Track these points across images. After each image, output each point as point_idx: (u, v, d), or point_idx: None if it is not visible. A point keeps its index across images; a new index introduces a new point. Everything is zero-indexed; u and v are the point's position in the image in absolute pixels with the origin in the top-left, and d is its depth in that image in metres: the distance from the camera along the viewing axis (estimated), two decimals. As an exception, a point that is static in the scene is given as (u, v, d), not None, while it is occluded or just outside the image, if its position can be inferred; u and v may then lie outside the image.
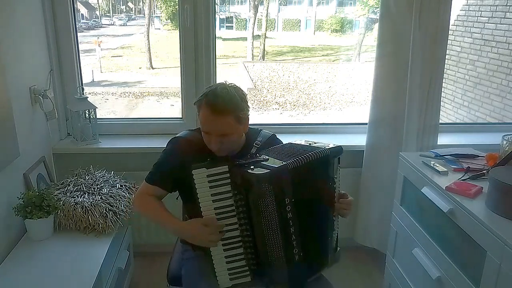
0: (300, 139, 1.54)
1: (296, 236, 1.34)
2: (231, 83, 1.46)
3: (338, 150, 1.44)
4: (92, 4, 8.68)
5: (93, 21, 8.48)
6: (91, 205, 1.90)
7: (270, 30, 9.56)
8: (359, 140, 2.49)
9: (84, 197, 1.95)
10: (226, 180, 1.34)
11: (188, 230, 1.44)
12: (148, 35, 7.63)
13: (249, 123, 1.54)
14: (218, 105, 1.37)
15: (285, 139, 1.63)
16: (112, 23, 8.45)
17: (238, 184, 1.33)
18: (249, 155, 1.43)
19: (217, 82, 1.47)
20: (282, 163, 1.32)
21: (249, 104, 1.48)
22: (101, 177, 2.14)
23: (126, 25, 8.54)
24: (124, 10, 9.16)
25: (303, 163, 1.33)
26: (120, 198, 2.02)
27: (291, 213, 1.32)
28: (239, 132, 1.46)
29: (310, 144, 1.46)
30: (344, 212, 1.48)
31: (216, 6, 2.47)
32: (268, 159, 1.37)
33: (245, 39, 9.12)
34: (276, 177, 1.29)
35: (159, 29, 8.58)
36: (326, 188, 1.43)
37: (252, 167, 1.33)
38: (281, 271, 1.36)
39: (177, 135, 1.58)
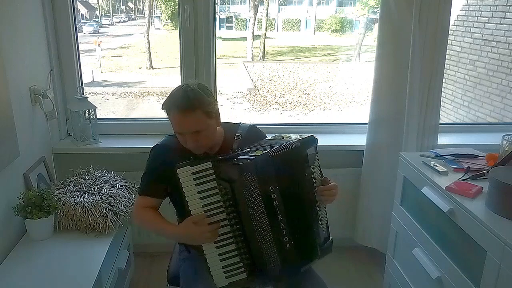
0: (272, 135, 1.58)
1: (284, 224, 1.36)
2: (195, 81, 1.47)
3: (313, 139, 1.45)
4: (92, 4, 8.68)
5: (93, 21, 8.47)
6: (91, 205, 1.90)
7: (270, 30, 9.56)
8: (359, 140, 2.49)
9: (84, 197, 1.95)
10: (211, 176, 1.36)
11: (182, 233, 1.46)
12: (148, 35, 7.63)
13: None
14: (184, 103, 1.39)
15: (269, 137, 1.64)
16: (81, 30, 8.32)
17: (223, 178, 1.35)
18: (231, 151, 1.46)
19: (180, 84, 1.49)
20: (263, 152, 1.35)
21: (216, 98, 1.50)
22: (101, 177, 2.14)
23: (99, 32, 8.30)
24: (124, 10, 9.16)
25: (283, 151, 1.35)
26: (120, 198, 2.02)
27: (277, 201, 1.34)
28: (211, 127, 1.46)
29: (282, 137, 1.49)
30: (327, 198, 1.47)
31: (216, 6, 2.47)
32: (249, 150, 1.40)
33: (245, 39, 9.11)
34: (258, 165, 1.32)
35: (159, 29, 8.58)
36: (305, 177, 1.43)
37: (234, 159, 1.36)
38: (274, 261, 1.37)
39: (157, 143, 1.59)
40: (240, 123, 1.65)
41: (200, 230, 1.37)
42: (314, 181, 1.44)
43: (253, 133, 1.62)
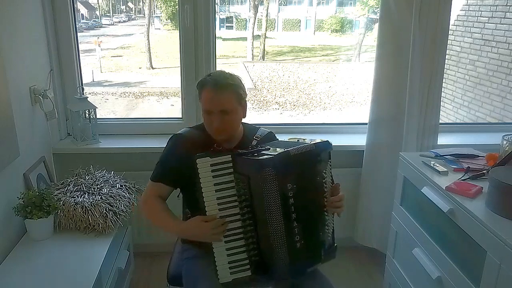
0: (288, 137, 1.59)
1: (297, 223, 1.37)
2: None
3: (328, 144, 1.47)
4: (92, 4, 8.67)
5: (93, 21, 8.46)
6: (91, 205, 1.90)
7: (270, 30, 9.55)
8: (359, 140, 2.49)
9: (84, 197, 1.95)
10: (229, 170, 1.37)
11: (190, 229, 1.46)
12: (148, 35, 7.63)
13: (249, 123, 1.55)
14: (220, 81, 1.45)
15: (285, 139, 1.63)
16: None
17: (241, 172, 1.36)
18: (250, 147, 1.48)
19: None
20: (284, 150, 1.36)
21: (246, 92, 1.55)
22: (101, 177, 2.14)
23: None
24: (124, 10, 9.15)
25: (301, 151, 1.37)
26: (120, 198, 2.02)
27: (293, 199, 1.35)
28: (238, 113, 1.51)
29: (298, 140, 1.51)
30: (337, 210, 1.49)
31: (216, 6, 2.47)
32: (269, 148, 1.42)
33: (245, 39, 9.10)
34: (278, 162, 1.34)
35: (159, 29, 8.58)
36: (317, 181, 1.44)
37: (255, 154, 1.38)
38: (283, 259, 1.38)
39: (177, 132, 1.61)
40: (259, 127, 1.69)
41: (209, 226, 1.38)
42: (325, 185, 1.45)
43: (271, 138, 1.65)
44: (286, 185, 1.34)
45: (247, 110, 1.57)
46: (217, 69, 2.47)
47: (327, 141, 1.47)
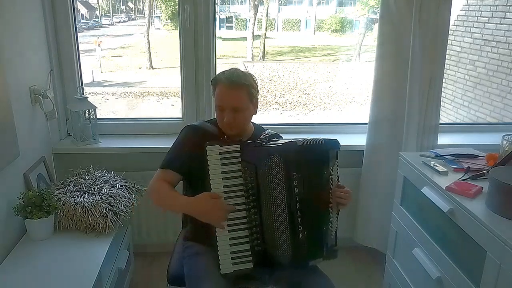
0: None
1: (301, 214, 1.40)
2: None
3: (336, 142, 1.50)
4: (92, 4, 8.66)
5: (93, 21, 8.46)
6: (91, 205, 1.90)
7: (270, 30, 9.54)
8: (359, 140, 2.49)
9: (84, 197, 1.95)
10: (237, 159, 1.41)
11: (196, 204, 1.46)
12: (148, 35, 7.62)
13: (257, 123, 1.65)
14: (234, 79, 1.50)
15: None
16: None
17: (249, 160, 1.40)
18: (258, 140, 1.52)
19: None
20: (291, 140, 1.43)
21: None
22: (101, 177, 2.14)
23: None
24: (124, 10, 9.15)
25: (309, 144, 1.43)
26: (120, 198, 2.02)
27: (297, 189, 1.39)
28: (249, 111, 1.56)
29: (308, 138, 1.53)
30: (342, 201, 1.50)
31: (216, 6, 2.48)
32: (277, 140, 1.48)
33: (245, 39, 9.10)
34: (286, 151, 1.39)
35: (159, 29, 8.57)
36: (324, 176, 1.46)
37: (263, 144, 1.44)
38: (285, 248, 1.41)
39: (192, 123, 1.66)
40: (268, 128, 1.73)
41: (214, 204, 1.40)
42: (331, 182, 1.47)
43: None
44: (292, 174, 1.38)
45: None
46: (217, 69, 2.47)
47: (336, 139, 1.49)
